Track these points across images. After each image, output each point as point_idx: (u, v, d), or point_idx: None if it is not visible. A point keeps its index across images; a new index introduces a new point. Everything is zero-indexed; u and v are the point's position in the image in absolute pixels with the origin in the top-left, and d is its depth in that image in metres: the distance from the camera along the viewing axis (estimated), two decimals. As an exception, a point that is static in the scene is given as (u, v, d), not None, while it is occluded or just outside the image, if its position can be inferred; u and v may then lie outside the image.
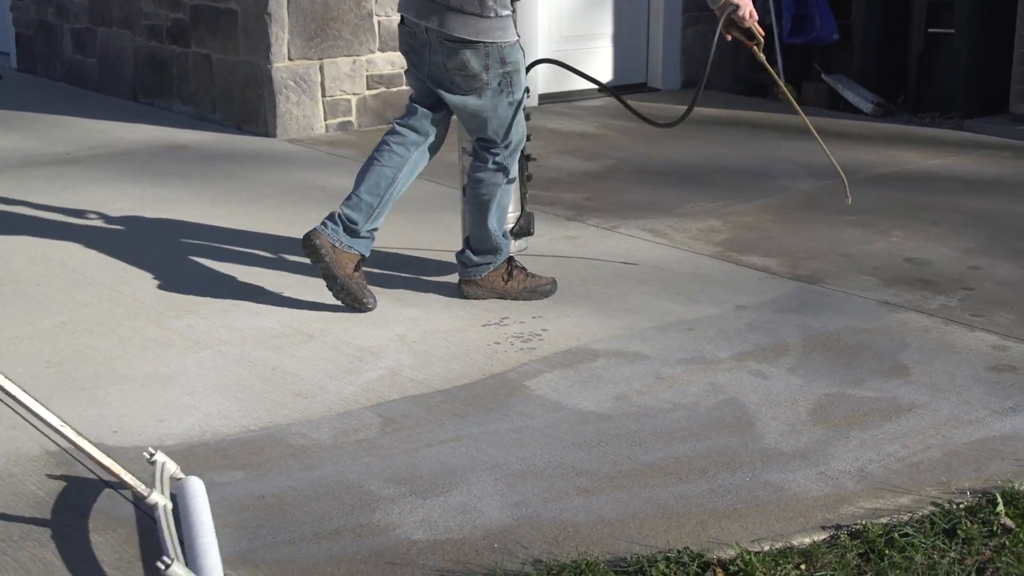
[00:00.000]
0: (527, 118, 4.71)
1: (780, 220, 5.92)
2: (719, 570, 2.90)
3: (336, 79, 7.89)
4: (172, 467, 3.24)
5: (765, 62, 4.75)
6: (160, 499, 2.99)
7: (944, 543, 3.02)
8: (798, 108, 5.04)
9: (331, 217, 4.59)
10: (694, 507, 3.21)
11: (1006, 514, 3.12)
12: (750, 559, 2.91)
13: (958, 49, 8.52)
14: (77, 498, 3.20)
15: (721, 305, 4.71)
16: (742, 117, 8.51)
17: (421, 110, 4.75)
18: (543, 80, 8.91)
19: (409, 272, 5.10)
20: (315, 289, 4.85)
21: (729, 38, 4.84)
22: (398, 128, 4.79)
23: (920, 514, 3.14)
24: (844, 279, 5.02)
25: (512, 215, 4.89)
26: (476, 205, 4.68)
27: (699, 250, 5.44)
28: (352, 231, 4.57)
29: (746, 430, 3.67)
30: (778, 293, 4.87)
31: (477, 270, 4.74)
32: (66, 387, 3.91)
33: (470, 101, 4.52)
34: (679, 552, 2.95)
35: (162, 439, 3.59)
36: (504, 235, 4.74)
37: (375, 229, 4.67)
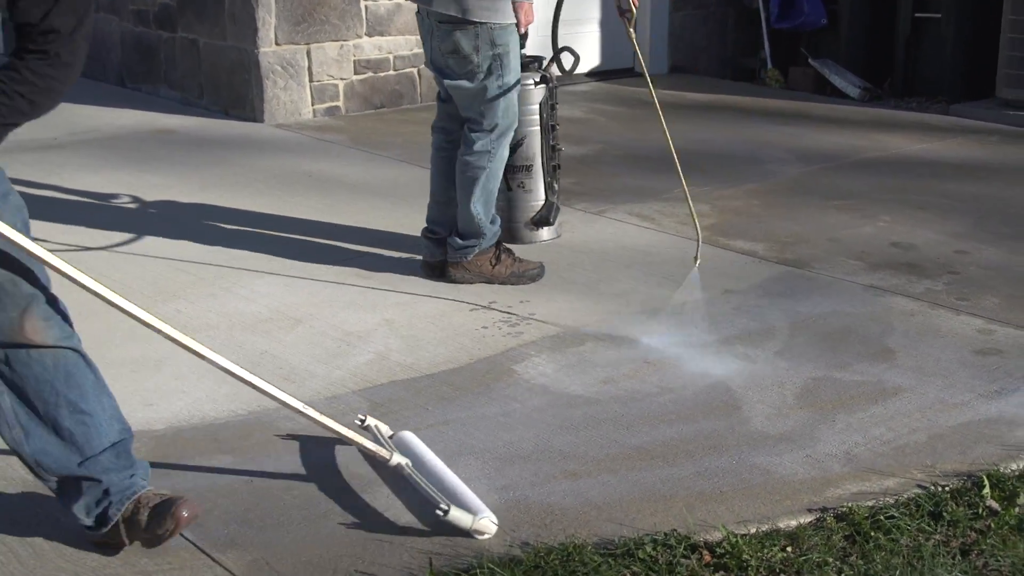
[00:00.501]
0: (552, 108, 4.68)
1: (767, 204, 5.93)
2: (706, 552, 2.91)
3: (323, 64, 7.86)
4: (384, 428, 3.40)
5: (633, 37, 4.67)
6: (400, 459, 3.15)
7: (930, 525, 3.03)
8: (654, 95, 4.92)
9: (427, 236, 4.75)
10: (681, 490, 3.22)
11: (991, 496, 3.13)
12: (737, 541, 2.92)
13: (944, 34, 8.52)
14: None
15: (708, 289, 4.71)
16: (729, 102, 8.51)
17: (444, 108, 4.76)
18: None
19: (398, 256, 5.09)
20: (302, 273, 4.85)
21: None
22: (434, 132, 4.84)
23: (906, 497, 3.16)
24: (831, 263, 5.03)
25: (537, 204, 4.91)
26: (461, 187, 4.67)
27: (686, 235, 5.43)
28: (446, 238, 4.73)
29: (733, 413, 3.68)
30: (765, 277, 4.88)
31: (463, 253, 4.73)
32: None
33: (463, 85, 4.51)
34: (666, 535, 2.96)
35: (151, 423, 3.59)
36: (492, 220, 4.73)
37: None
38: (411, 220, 5.33)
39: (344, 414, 3.66)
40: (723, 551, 2.90)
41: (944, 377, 3.91)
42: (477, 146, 4.58)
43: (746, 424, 3.61)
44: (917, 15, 8.68)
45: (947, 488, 3.19)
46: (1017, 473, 3.27)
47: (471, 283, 4.75)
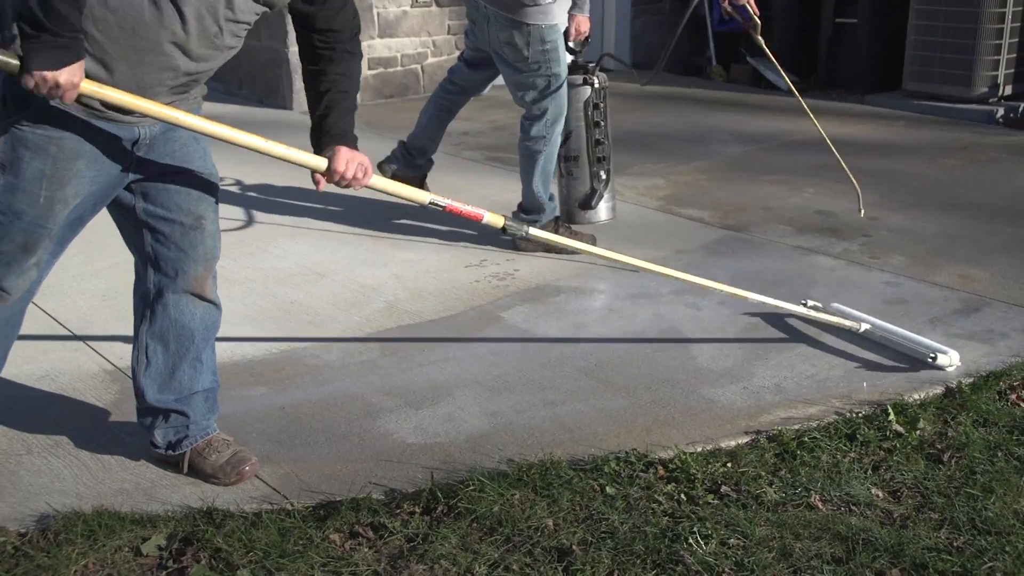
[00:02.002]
0: (595, 107, 4.64)
1: (712, 179, 5.89)
2: (660, 468, 2.90)
3: (342, 60, 7.77)
4: (820, 305, 3.82)
5: (763, 44, 4.63)
6: (866, 325, 3.67)
7: (845, 445, 3.03)
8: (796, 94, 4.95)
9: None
10: (640, 416, 3.21)
11: (897, 422, 3.13)
12: (686, 458, 2.91)
13: (860, 36, 8.48)
14: (129, 407, 3.16)
15: (663, 249, 4.69)
16: (681, 93, 8.45)
17: (466, 70, 4.78)
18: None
19: (406, 222, 5.05)
20: (327, 236, 4.81)
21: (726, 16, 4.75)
22: (452, 80, 4.87)
23: (826, 421, 3.15)
24: (765, 228, 5.01)
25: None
26: (523, 168, 4.62)
27: (645, 204, 5.41)
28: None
29: (683, 352, 3.66)
30: (710, 239, 4.86)
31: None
32: (119, 317, 3.86)
33: (512, 72, 4.48)
34: (627, 453, 2.95)
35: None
36: (550, 197, 4.66)
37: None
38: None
39: (360, 353, 3.64)
40: (674, 467, 2.89)
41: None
42: (533, 131, 4.53)
43: (693, 361, 3.60)
44: (838, 20, 8.63)
45: (860, 415, 3.18)
46: (918, 402, 3.27)
47: (533, 251, 4.64)
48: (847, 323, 3.69)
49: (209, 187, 2.72)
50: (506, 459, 2.94)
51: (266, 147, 2.63)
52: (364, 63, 7.80)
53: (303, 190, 5.41)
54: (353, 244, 4.76)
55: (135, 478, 2.87)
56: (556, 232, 4.64)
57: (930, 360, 3.43)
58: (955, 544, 2.58)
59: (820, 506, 2.73)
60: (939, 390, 3.36)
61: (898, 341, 3.60)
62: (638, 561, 2.50)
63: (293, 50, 7.48)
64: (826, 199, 5.47)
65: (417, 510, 2.70)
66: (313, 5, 2.61)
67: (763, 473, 2.87)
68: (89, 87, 2.31)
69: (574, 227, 4.74)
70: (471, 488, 2.75)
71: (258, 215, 5.13)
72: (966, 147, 6.62)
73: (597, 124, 4.64)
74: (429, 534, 2.59)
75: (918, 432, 3.08)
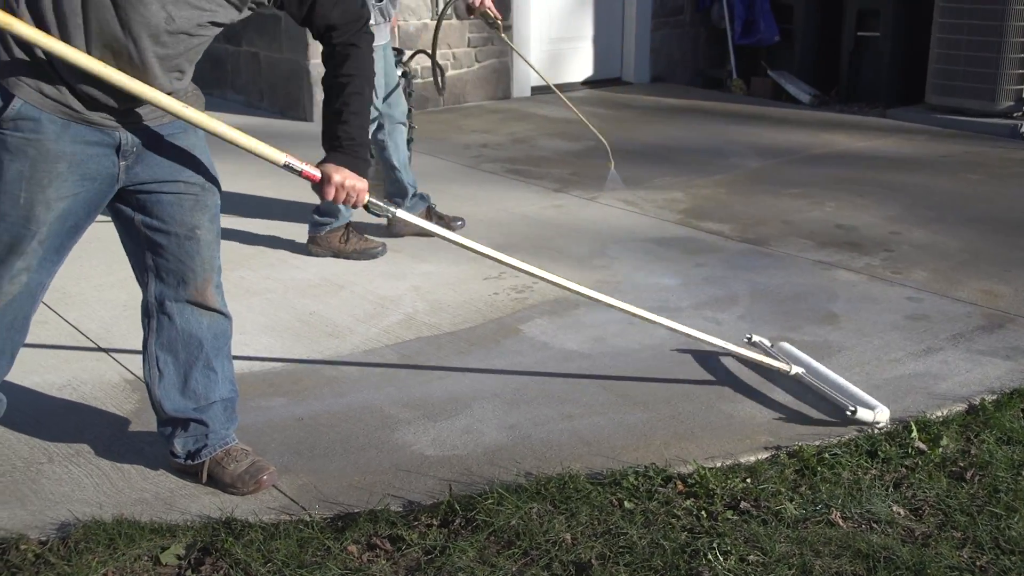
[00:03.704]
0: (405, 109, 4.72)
1: (732, 192, 5.89)
2: (679, 482, 2.89)
3: (363, 72, 7.82)
4: (766, 341, 3.53)
5: (509, 43, 4.58)
6: (798, 368, 3.39)
7: (867, 462, 3.01)
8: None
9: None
10: (658, 430, 3.21)
11: (919, 439, 3.12)
12: (705, 473, 2.90)
13: (883, 49, 8.47)
14: (149, 417, 3.18)
15: (682, 263, 4.68)
16: (701, 106, 8.45)
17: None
18: (534, 75, 8.84)
19: (424, 235, 5.06)
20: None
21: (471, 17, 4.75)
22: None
23: (847, 438, 3.14)
24: (785, 242, 5.00)
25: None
26: (383, 165, 4.76)
27: (664, 217, 5.41)
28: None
29: (702, 366, 3.66)
30: (730, 253, 4.85)
31: (318, 228, 4.71)
32: (139, 327, 3.88)
33: None
34: (646, 467, 2.94)
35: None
36: (414, 181, 4.80)
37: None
38: (434, 201, 5.30)
39: (379, 364, 3.65)
40: (694, 481, 2.89)
41: (880, 338, 3.89)
42: (380, 136, 4.73)
43: (713, 375, 3.59)
44: (859, 33, 8.63)
45: (882, 431, 3.17)
46: (941, 419, 3.26)
47: (322, 256, 4.69)
48: (777, 364, 3.42)
49: (204, 196, 2.72)
50: (524, 472, 2.94)
51: (252, 145, 2.62)
52: (384, 75, 7.89)
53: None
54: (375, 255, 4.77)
55: (155, 487, 2.88)
56: (347, 239, 4.74)
57: (848, 413, 3.14)
58: (978, 563, 2.56)
59: (841, 523, 2.72)
60: (962, 407, 3.34)
61: (825, 389, 3.32)
62: (657, 576, 2.50)
63: (314, 62, 7.52)
64: (847, 213, 5.45)
65: (435, 522, 2.71)
66: (296, 7, 2.62)
67: (783, 489, 2.86)
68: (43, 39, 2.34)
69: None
70: (489, 501, 2.75)
71: (278, 226, 5.15)
72: (989, 161, 6.60)
73: (411, 130, 4.76)
74: (447, 547, 2.60)
75: (940, 449, 3.07)
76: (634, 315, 3.23)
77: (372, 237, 4.83)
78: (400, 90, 4.88)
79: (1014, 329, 3.97)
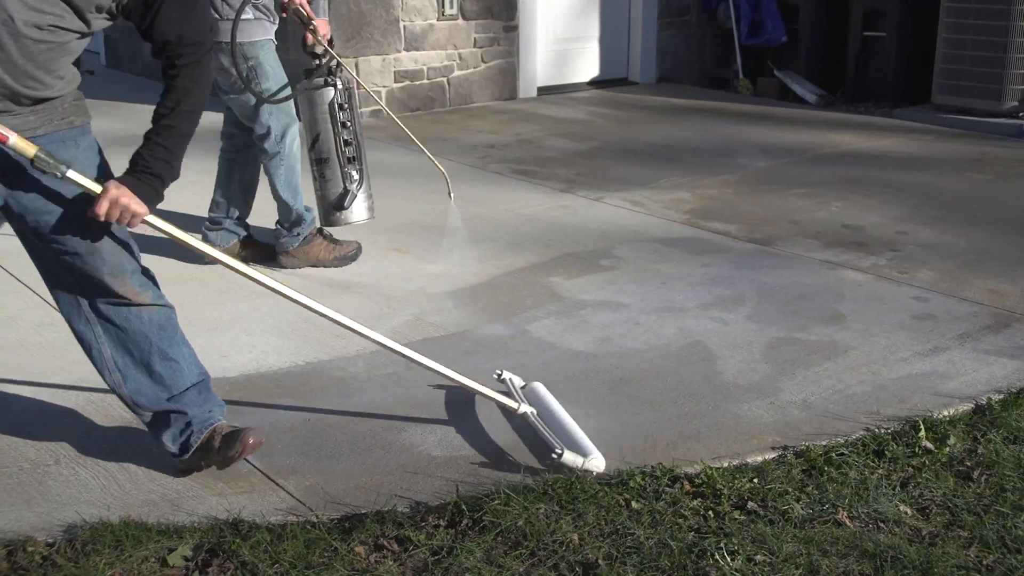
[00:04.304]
0: (342, 108, 4.50)
1: (739, 192, 5.88)
2: (686, 483, 2.89)
3: (369, 74, 7.82)
4: (518, 380, 3.34)
5: (326, 46, 4.45)
6: (527, 408, 3.12)
7: (874, 462, 3.01)
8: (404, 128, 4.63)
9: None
10: (665, 431, 3.20)
11: (926, 438, 3.11)
12: (712, 473, 2.90)
13: (889, 49, 8.45)
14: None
15: (689, 263, 4.68)
16: (707, 106, 8.44)
17: (228, 115, 4.63)
18: (541, 75, 8.85)
19: (429, 234, 5.07)
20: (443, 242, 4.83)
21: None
22: (222, 139, 4.70)
23: (854, 437, 3.14)
24: (792, 242, 4.99)
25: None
26: (270, 185, 4.57)
27: (671, 217, 5.40)
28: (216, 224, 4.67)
29: (709, 367, 3.66)
30: (737, 253, 4.85)
31: (289, 242, 4.64)
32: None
33: (231, 100, 4.44)
34: (653, 467, 2.94)
35: (226, 371, 3.58)
36: (307, 209, 4.60)
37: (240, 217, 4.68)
38: (441, 202, 5.31)
39: (386, 366, 3.65)
40: (700, 481, 2.88)
41: (887, 337, 3.88)
42: (266, 148, 4.48)
43: (720, 376, 3.59)
44: (866, 33, 8.62)
45: (889, 430, 3.17)
46: (948, 418, 3.25)
47: (299, 267, 4.63)
48: (506, 401, 3.16)
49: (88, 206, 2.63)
50: (531, 472, 2.94)
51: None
52: (390, 76, 7.91)
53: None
54: (379, 257, 4.78)
55: (161, 489, 2.89)
56: (322, 247, 4.65)
57: (554, 455, 2.90)
58: (984, 563, 2.56)
59: (848, 523, 2.72)
60: (969, 407, 3.34)
61: (544, 432, 3.06)
62: (664, 576, 2.50)
63: (320, 63, 7.53)
64: (854, 213, 5.45)
65: (442, 523, 2.71)
66: (139, 16, 2.53)
67: (790, 489, 2.85)
68: None
69: (333, 232, 4.71)
70: (496, 502, 2.75)
71: (284, 227, 5.15)
72: (995, 161, 6.58)
73: (344, 125, 4.52)
74: (454, 547, 2.60)
75: (947, 449, 3.06)
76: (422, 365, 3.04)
77: (345, 240, 4.75)
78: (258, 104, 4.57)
79: (1021, 328, 3.96)
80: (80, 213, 2.62)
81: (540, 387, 3.33)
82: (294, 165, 4.58)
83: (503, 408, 3.19)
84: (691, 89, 9.28)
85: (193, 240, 2.80)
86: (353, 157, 4.56)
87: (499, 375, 3.35)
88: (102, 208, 2.54)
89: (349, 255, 4.72)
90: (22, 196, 2.61)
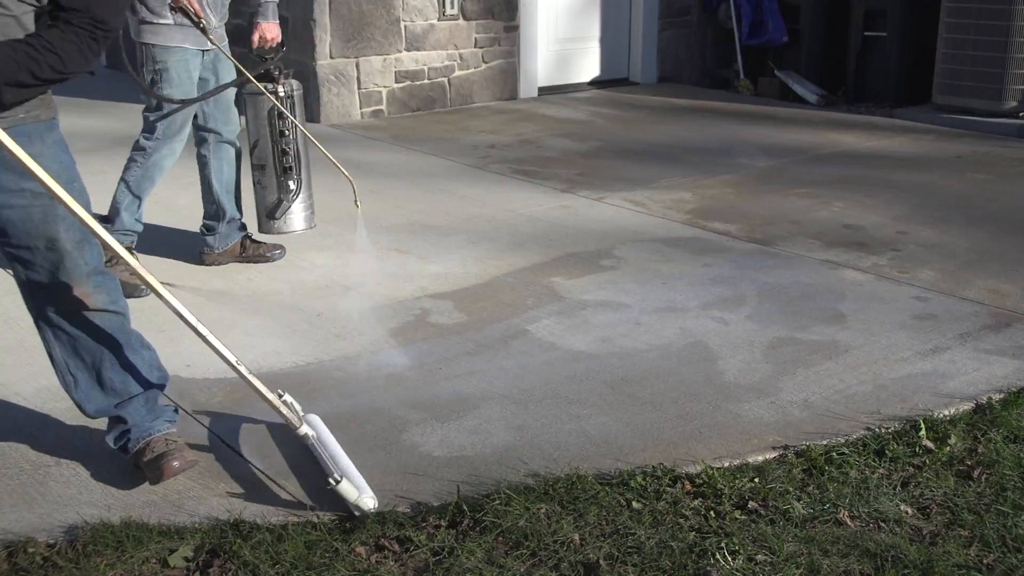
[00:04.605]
0: (281, 117, 4.38)
1: (739, 192, 5.88)
2: (687, 482, 2.89)
3: (370, 74, 7.82)
4: (298, 406, 3.08)
5: (215, 44, 4.37)
6: (309, 431, 2.89)
7: (874, 461, 3.01)
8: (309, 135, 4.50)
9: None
10: (666, 430, 3.20)
11: (927, 437, 3.11)
12: (713, 473, 2.90)
13: (889, 50, 8.45)
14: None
15: (690, 263, 4.68)
16: (708, 106, 8.45)
17: (194, 122, 4.56)
18: (542, 75, 8.85)
19: (432, 233, 5.07)
20: (353, 250, 4.83)
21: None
22: (196, 145, 4.65)
23: (854, 437, 3.14)
24: (792, 242, 4.99)
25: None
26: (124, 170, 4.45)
27: (672, 217, 5.41)
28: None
29: (710, 367, 3.66)
30: (738, 253, 4.85)
31: (214, 242, 4.64)
32: (149, 329, 3.86)
33: (145, 96, 4.37)
34: (654, 467, 2.94)
35: (226, 372, 3.58)
36: (137, 217, 4.47)
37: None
38: (442, 203, 5.31)
39: (386, 366, 3.65)
40: (701, 481, 2.89)
41: (887, 337, 3.88)
42: (139, 139, 4.37)
43: (721, 376, 3.59)
44: (866, 33, 8.62)
45: (889, 430, 3.17)
46: (949, 418, 3.25)
47: (223, 264, 4.61)
48: (290, 416, 2.87)
49: (54, 206, 2.59)
50: (532, 473, 2.94)
51: None
52: (391, 76, 7.91)
53: (330, 203, 5.44)
54: (380, 258, 4.78)
55: (162, 490, 2.88)
56: (244, 245, 4.63)
57: (333, 481, 2.74)
58: (985, 562, 2.56)
59: (848, 522, 2.72)
60: (969, 406, 3.34)
61: (323, 455, 2.93)
62: (664, 576, 2.50)
63: (321, 63, 7.54)
64: (855, 213, 5.45)
65: (443, 523, 2.71)
66: None
67: (791, 489, 2.85)
68: None
69: (261, 237, 4.68)
70: (497, 502, 2.75)
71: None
72: (996, 161, 6.58)
73: (283, 133, 4.48)
74: (455, 548, 2.60)
75: (948, 448, 3.06)
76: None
77: (271, 241, 4.72)
78: (231, 105, 4.59)
79: (1021, 328, 3.95)
80: (43, 207, 2.58)
81: (318, 419, 3.15)
82: (152, 172, 4.41)
83: (285, 427, 2.96)
84: (692, 89, 9.28)
85: (103, 232, 2.61)
86: (290, 167, 4.48)
87: (281, 395, 3.00)
88: None
89: (273, 255, 4.68)
90: None
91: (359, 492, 2.76)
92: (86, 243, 2.70)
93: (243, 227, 4.73)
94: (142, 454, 2.89)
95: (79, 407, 2.87)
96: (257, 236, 4.73)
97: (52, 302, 2.72)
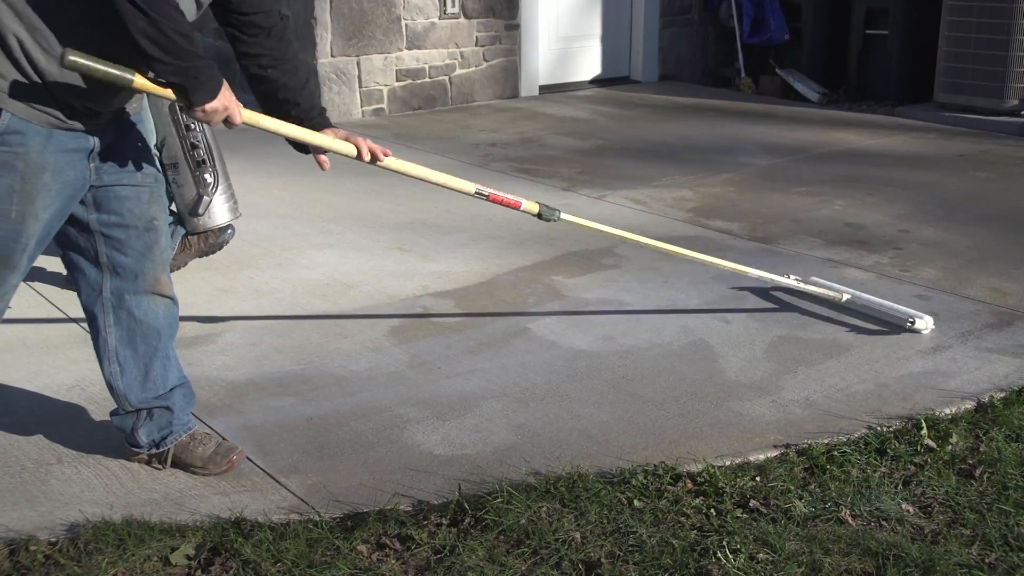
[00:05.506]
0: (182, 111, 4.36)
1: (741, 191, 5.88)
2: (688, 481, 2.89)
3: (371, 73, 7.82)
4: (799, 276, 4.14)
5: None
6: (845, 294, 4.04)
7: (876, 460, 3.01)
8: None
9: None
10: (667, 429, 3.20)
11: (928, 436, 3.11)
12: (714, 472, 2.90)
13: (891, 48, 8.45)
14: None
15: (691, 261, 4.67)
16: (709, 105, 8.44)
17: None
18: (543, 73, 8.85)
19: (431, 231, 5.07)
20: (354, 247, 4.83)
21: None
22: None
23: (856, 436, 3.14)
24: (794, 240, 4.99)
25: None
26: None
27: (673, 215, 5.40)
28: None
29: (711, 365, 3.66)
30: (739, 251, 4.84)
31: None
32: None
33: None
34: (655, 466, 2.94)
35: (228, 370, 3.58)
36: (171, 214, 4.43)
37: None
38: (442, 201, 5.31)
39: (388, 364, 3.65)
40: (703, 480, 2.89)
41: (889, 335, 3.88)
42: None
43: (722, 374, 3.59)
44: (868, 31, 8.61)
45: (891, 429, 3.17)
46: (950, 416, 3.25)
47: (185, 265, 4.54)
48: (830, 293, 4.02)
49: (157, 188, 2.75)
50: (533, 471, 2.94)
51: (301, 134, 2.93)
52: (392, 74, 7.91)
53: (331, 201, 5.44)
54: (381, 256, 4.78)
55: (164, 488, 2.89)
56: (186, 248, 4.52)
57: (909, 325, 3.78)
58: (987, 560, 2.56)
59: (850, 521, 2.72)
60: (971, 405, 3.34)
61: (877, 309, 3.93)
62: (666, 575, 2.50)
63: (322, 61, 7.54)
64: (856, 211, 5.44)
65: (444, 521, 2.71)
66: None
67: (792, 487, 2.86)
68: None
69: (205, 235, 4.58)
70: (498, 500, 2.75)
71: (286, 226, 5.16)
72: (998, 159, 6.58)
73: (188, 127, 4.45)
74: (456, 546, 2.60)
75: (950, 447, 3.06)
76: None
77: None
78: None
79: (1023, 327, 3.96)
80: (150, 188, 2.71)
81: (822, 280, 4.09)
82: None
83: (817, 300, 4.00)
84: (693, 87, 9.28)
85: None
86: (203, 161, 4.42)
87: (788, 276, 4.06)
88: (364, 149, 3.17)
89: (218, 242, 4.57)
90: (105, 172, 2.62)
91: (922, 318, 3.78)
92: (164, 235, 2.80)
93: (178, 222, 4.57)
94: (188, 446, 2.92)
95: (120, 396, 2.87)
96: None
97: (133, 284, 2.76)
